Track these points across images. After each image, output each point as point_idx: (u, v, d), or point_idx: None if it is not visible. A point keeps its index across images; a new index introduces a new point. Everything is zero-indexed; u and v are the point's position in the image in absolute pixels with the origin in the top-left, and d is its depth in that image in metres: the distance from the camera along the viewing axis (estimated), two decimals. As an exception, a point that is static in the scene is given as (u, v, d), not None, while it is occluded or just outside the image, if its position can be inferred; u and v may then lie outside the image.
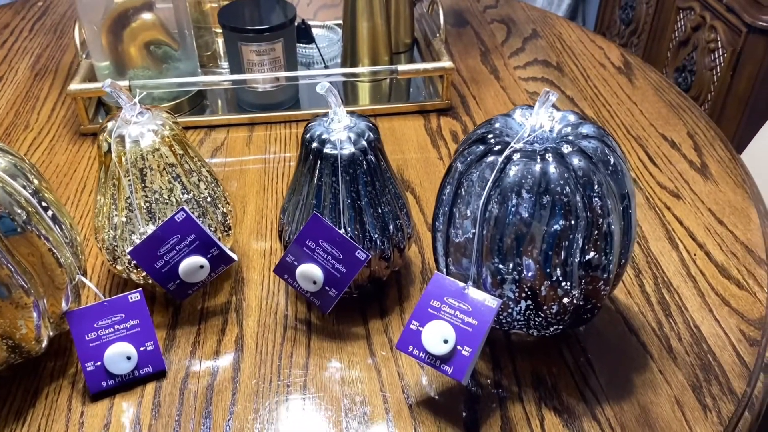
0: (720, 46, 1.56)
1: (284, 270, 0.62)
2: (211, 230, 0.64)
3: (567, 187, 0.51)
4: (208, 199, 0.65)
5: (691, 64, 1.68)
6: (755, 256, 0.71)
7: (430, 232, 0.75)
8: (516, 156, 0.52)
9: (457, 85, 1.01)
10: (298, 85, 0.96)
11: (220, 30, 1.00)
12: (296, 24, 1.01)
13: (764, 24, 1.41)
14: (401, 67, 0.92)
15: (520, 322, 0.57)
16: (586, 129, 0.55)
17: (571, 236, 0.52)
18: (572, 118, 0.57)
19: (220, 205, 0.66)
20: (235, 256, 0.64)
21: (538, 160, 0.52)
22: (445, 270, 0.59)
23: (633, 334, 0.63)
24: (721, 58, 1.57)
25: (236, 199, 0.80)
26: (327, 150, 0.58)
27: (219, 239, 0.65)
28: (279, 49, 0.89)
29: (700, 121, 0.93)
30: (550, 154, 0.52)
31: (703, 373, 0.59)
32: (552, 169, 0.51)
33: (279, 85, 0.92)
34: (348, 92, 1.01)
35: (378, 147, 0.61)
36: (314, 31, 1.09)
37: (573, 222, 0.51)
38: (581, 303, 0.56)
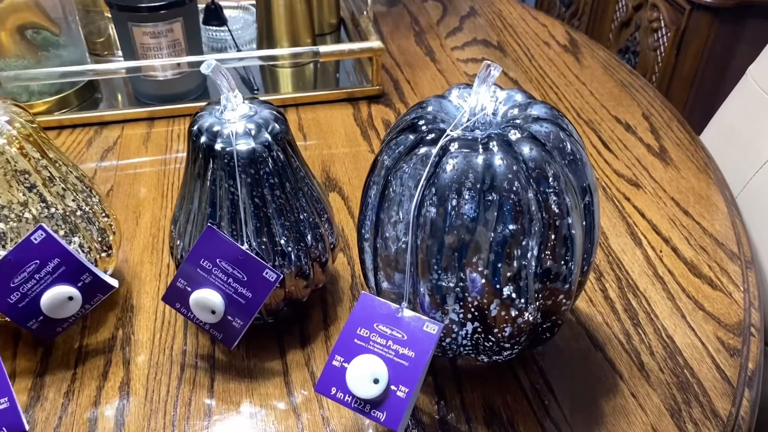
0: (663, 25, 1.51)
1: (175, 297, 0.50)
2: (82, 252, 0.51)
3: (517, 183, 0.41)
4: (78, 213, 0.52)
5: (635, 45, 1.62)
6: (726, 250, 0.63)
7: (360, 238, 0.64)
8: (453, 146, 0.42)
9: (389, 68, 0.90)
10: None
11: (112, 11, 0.86)
12: (206, 4, 0.89)
13: (708, 0, 1.36)
14: (323, 48, 0.80)
15: (466, 348, 0.47)
16: (536, 110, 0.45)
17: (524, 242, 0.42)
18: (519, 97, 0.47)
19: (95, 220, 0.53)
20: (114, 282, 0.51)
21: (481, 151, 0.41)
22: (375, 288, 0.48)
23: (598, 349, 0.54)
24: (665, 37, 1.51)
25: (128, 209, 0.67)
26: (219, 146, 0.46)
27: (94, 262, 0.53)
28: (178, 30, 0.76)
29: (655, 101, 0.85)
30: (494, 143, 0.42)
31: (681, 393, 0.51)
32: (497, 160, 0.41)
33: (181, 72, 0.80)
34: (267, 79, 0.89)
35: (287, 140, 0.49)
36: (226, 12, 0.96)
37: (525, 225, 0.41)
38: (539, 321, 0.46)
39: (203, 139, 0.47)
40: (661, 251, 0.63)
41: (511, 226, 0.41)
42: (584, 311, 0.57)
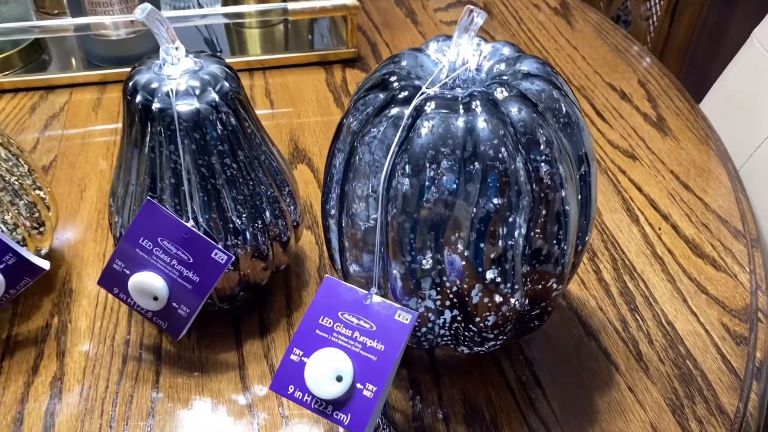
0: (657, -8, 1.44)
1: (112, 281, 0.43)
2: (6, 229, 0.45)
3: (503, 149, 0.35)
4: (0, 185, 0.45)
5: (626, 14, 1.56)
6: (730, 228, 0.58)
7: (329, 214, 0.58)
8: (429, 106, 0.36)
9: (366, 30, 0.83)
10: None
11: (60, -36, 0.78)
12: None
13: (704, -35, 1.29)
14: (292, 5, 0.73)
15: (445, 338, 0.42)
16: (526, 65, 0.39)
17: (511, 219, 0.36)
18: (507, 51, 0.40)
19: (22, 193, 0.46)
20: (45, 264, 0.45)
21: (461, 112, 0.35)
22: (341, 271, 0.42)
23: (592, 337, 0.49)
24: (658, 5, 1.45)
25: (72, 182, 0.60)
26: (157, 106, 0.39)
27: (22, 241, 0.46)
28: (130, -17, 0.69)
29: (652, 68, 0.79)
30: (477, 102, 0.35)
31: (683, 386, 0.46)
32: (481, 123, 0.35)
33: (136, 31, 0.72)
34: (234, 40, 0.82)
35: (239, 101, 0.43)
36: (190, -32, 0.88)
37: (513, 199, 0.35)
38: (526, 308, 0.40)
39: (139, 98, 0.40)
40: (659, 229, 0.58)
41: (495, 200, 0.35)
42: (576, 295, 0.52)
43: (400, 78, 0.38)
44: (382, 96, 0.38)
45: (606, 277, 0.53)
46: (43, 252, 0.49)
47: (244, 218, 0.43)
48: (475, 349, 0.42)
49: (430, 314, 0.39)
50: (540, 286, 0.39)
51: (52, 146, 0.64)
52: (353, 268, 0.41)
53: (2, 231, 0.44)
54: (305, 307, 0.50)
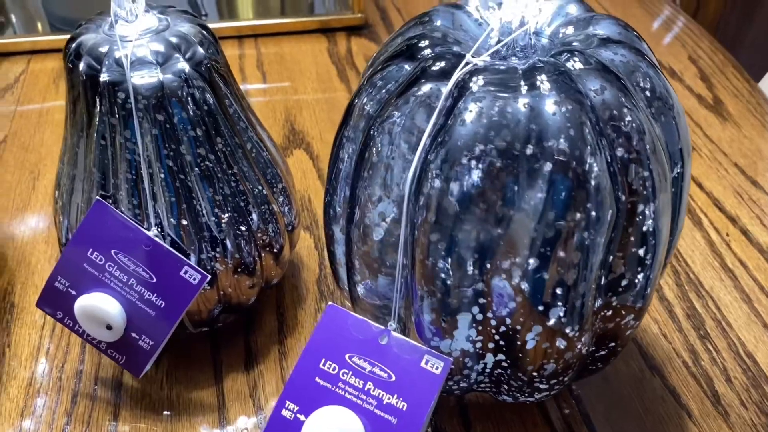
0: (687, -39, 1.33)
1: (54, 303, 0.34)
2: None
3: (581, 144, 0.25)
4: None
5: (651, -14, 1.45)
6: (811, 234, 0.48)
7: (332, 212, 0.48)
8: (476, 82, 0.26)
9: (374, -6, 0.73)
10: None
11: None
12: None
13: (742, -68, 1.18)
14: (289, -38, 0.62)
15: (482, 385, 0.32)
16: (603, 27, 0.29)
17: (588, 240, 0.26)
18: (574, 9, 0.30)
19: (-58, 185, 0.36)
20: (-30, 278, 0.35)
21: (522, 90, 0.25)
22: (348, 292, 0.33)
23: (656, 373, 0.40)
24: (686, -23, 1.34)
25: (23, 168, 0.50)
26: (106, 77, 0.29)
27: (-59, 247, 0.36)
28: (97, -70, 0.58)
29: (702, 42, 0.69)
30: (543, 77, 0.26)
31: (775, 440, 0.36)
32: (550, 106, 0.25)
33: (106, -11, 0.62)
34: (222, 3, 0.71)
35: (218, 72, 0.33)
36: None
37: (592, 213, 0.26)
38: (592, 349, 0.31)
39: (82, 66, 0.30)
40: (727, 234, 0.48)
41: (569, 215, 0.25)
42: (633, 317, 0.42)
43: (433, 43, 0.28)
44: (408, 67, 0.28)
45: (668, 295, 0.44)
46: (-24, 258, 0.40)
47: (224, 224, 0.34)
48: (522, 399, 0.32)
49: (466, 359, 0.30)
50: (612, 324, 0.30)
51: (2, 124, 0.54)
52: (364, 292, 0.32)
53: None
54: (301, 330, 0.40)
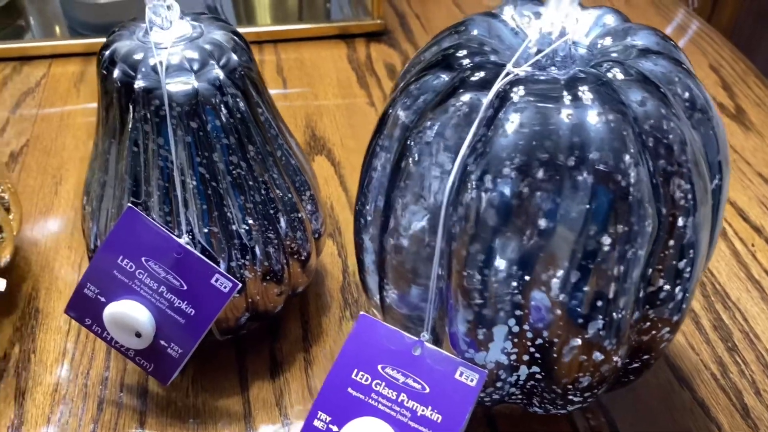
0: (701, -32, 1.32)
1: (83, 309, 0.34)
2: (-53, 238, 0.35)
3: (625, 156, 0.25)
4: (-59, 181, 0.35)
5: (664, -7, 1.44)
6: (838, 245, 0.48)
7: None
8: (518, 92, 0.26)
9: (393, 0, 0.72)
10: (159, -5, 0.65)
11: None
12: None
13: (758, -61, 1.18)
14: (310, -33, 0.62)
15: (513, 397, 0.32)
16: (641, 38, 0.29)
17: (629, 254, 0.26)
18: (611, 19, 0.30)
19: (-29, 190, 0.36)
20: (0, 284, 0.35)
21: (565, 100, 0.25)
22: (377, 302, 0.33)
23: (684, 385, 0.39)
24: (700, -16, 1.33)
25: (45, 173, 0.50)
26: (141, 83, 0.29)
27: (-30, 252, 0.36)
28: (120, -65, 0.58)
29: (723, 50, 0.68)
30: (585, 88, 0.25)
31: (807, 455, 0.36)
32: (593, 117, 0.25)
33: (127, -6, 0.62)
34: (240, 9, 0.71)
35: (251, 79, 0.33)
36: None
37: (635, 226, 0.25)
38: (626, 362, 0.30)
39: (117, 73, 0.30)
40: (753, 245, 0.48)
41: (610, 227, 0.25)
42: (660, 328, 0.42)
43: (471, 53, 0.28)
44: (445, 77, 0.28)
45: (695, 306, 0.44)
46: (2, 263, 0.39)
47: (254, 231, 0.34)
48: (554, 411, 0.32)
49: (500, 371, 0.30)
50: (648, 337, 0.29)
51: (24, 128, 0.54)
52: (395, 301, 0.31)
53: (-58, 242, 0.34)
54: (326, 338, 0.40)
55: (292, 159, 0.36)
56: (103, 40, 0.63)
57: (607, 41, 0.29)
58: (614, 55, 0.28)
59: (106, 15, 0.63)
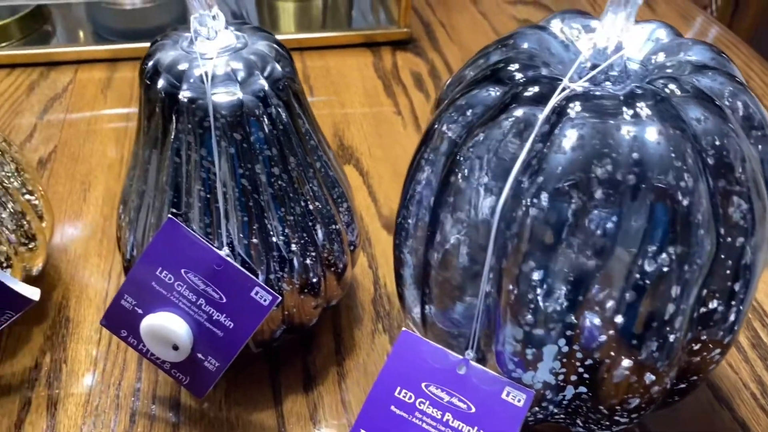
0: (720, -22, 1.32)
1: (119, 321, 0.33)
2: (-17, 246, 0.35)
3: (686, 175, 0.24)
4: (-22, 189, 0.35)
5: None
6: None
7: (385, 231, 0.48)
8: (574, 108, 0.25)
9: (417, 8, 0.72)
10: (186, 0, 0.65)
11: None
12: None
13: (780, -51, 1.17)
14: (338, -25, 0.62)
15: (556, 416, 0.31)
16: (695, 53, 0.28)
17: (688, 274, 0.25)
18: (663, 33, 0.30)
19: (7, 200, 0.36)
20: (33, 293, 0.34)
21: (625, 116, 0.25)
22: (419, 317, 0.32)
23: (724, 405, 0.38)
24: (719, -6, 1.33)
25: (74, 179, 0.50)
26: (186, 95, 0.29)
27: (6, 261, 0.36)
28: (149, -59, 0.58)
29: (752, 62, 0.68)
30: (643, 104, 0.25)
31: None
32: (653, 134, 0.24)
33: (156, 0, 0.62)
34: (264, 15, 0.71)
35: (293, 90, 0.32)
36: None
37: (695, 247, 0.25)
38: (673, 382, 0.30)
39: (162, 83, 0.29)
40: (789, 261, 0.47)
41: (669, 247, 0.24)
42: (697, 346, 0.41)
43: (523, 67, 0.27)
44: (497, 92, 0.27)
45: (732, 323, 0.43)
46: (34, 271, 0.39)
47: (293, 244, 0.33)
48: (597, 431, 0.31)
49: (547, 391, 0.29)
50: (698, 358, 0.29)
51: (52, 134, 0.54)
52: (438, 318, 0.31)
53: (-22, 250, 0.34)
54: (359, 351, 0.40)
55: (330, 171, 0.35)
56: (128, 45, 0.63)
57: (661, 57, 0.28)
58: (669, 70, 0.27)
59: (133, 21, 0.63)
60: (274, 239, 0.33)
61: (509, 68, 0.28)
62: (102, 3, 0.62)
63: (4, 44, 0.63)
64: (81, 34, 0.67)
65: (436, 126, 0.29)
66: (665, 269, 0.25)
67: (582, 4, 0.75)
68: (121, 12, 0.62)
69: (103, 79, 0.60)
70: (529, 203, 0.25)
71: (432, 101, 0.60)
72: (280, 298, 0.32)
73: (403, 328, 0.30)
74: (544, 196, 0.25)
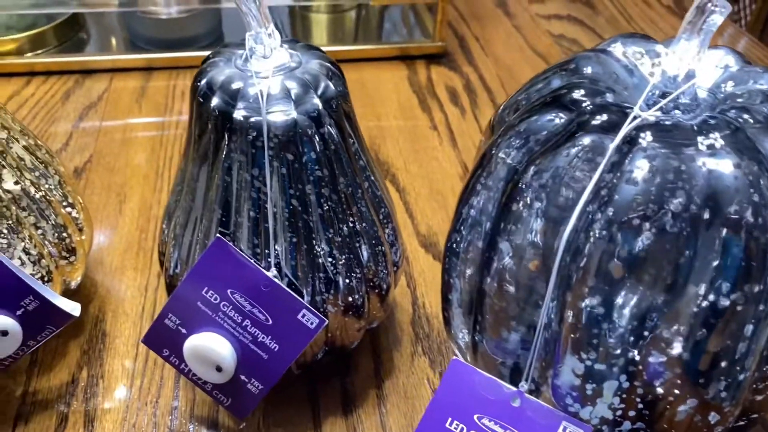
0: (750, -6, 1.30)
1: (162, 340, 0.33)
2: (28, 260, 0.34)
3: (763, 209, 0.23)
4: (24, 203, 0.35)
5: (710, 17, 1.42)
6: None
7: (423, 249, 0.47)
8: (645, 137, 0.24)
9: (451, 21, 0.72)
10: (221, 11, 0.65)
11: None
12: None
13: (813, -34, 1.15)
14: (375, -12, 0.62)
15: (610, 451, 0.30)
16: (766, 81, 0.27)
17: (763, 312, 0.24)
18: (731, 60, 0.29)
19: (50, 213, 0.36)
20: (74, 309, 0.34)
21: (699, 148, 0.24)
22: (468, 344, 0.31)
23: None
24: (748, 9, 1.31)
25: (109, 190, 0.50)
26: (241, 114, 0.29)
27: (47, 275, 0.36)
28: (187, -48, 0.58)
29: (792, 82, 0.66)
30: (717, 135, 0.24)
31: None
32: (728, 166, 0.23)
33: (190, 10, 0.62)
34: (297, 27, 0.71)
35: (344, 110, 0.32)
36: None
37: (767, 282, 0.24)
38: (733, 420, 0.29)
39: (216, 101, 0.29)
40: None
41: (743, 285, 0.24)
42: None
43: (589, 93, 0.27)
44: (561, 119, 0.27)
45: None
46: (72, 285, 0.39)
47: (339, 265, 0.33)
48: (652, 468, 0.30)
49: (603, 426, 0.28)
50: (762, 396, 0.28)
51: (87, 142, 0.54)
52: (490, 346, 0.30)
53: (23, 264, 0.34)
54: (399, 373, 0.39)
55: (377, 191, 0.35)
56: (163, 55, 0.63)
57: (730, 85, 0.28)
58: (740, 100, 0.26)
59: (168, 30, 0.63)
60: (321, 260, 0.32)
61: (574, 94, 0.27)
62: (137, 12, 0.62)
63: (40, 51, 0.63)
64: (115, 42, 0.67)
65: (493, 151, 0.29)
66: (739, 307, 0.24)
67: (617, 19, 0.74)
68: (156, 21, 0.62)
69: (138, 88, 0.60)
70: (597, 235, 0.24)
71: (467, 116, 0.60)
72: (327, 321, 0.32)
73: (453, 357, 0.30)
74: (615, 228, 0.24)
